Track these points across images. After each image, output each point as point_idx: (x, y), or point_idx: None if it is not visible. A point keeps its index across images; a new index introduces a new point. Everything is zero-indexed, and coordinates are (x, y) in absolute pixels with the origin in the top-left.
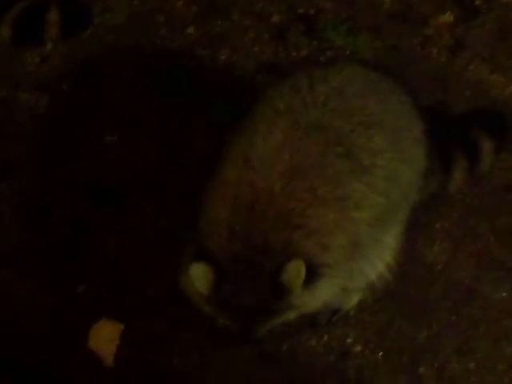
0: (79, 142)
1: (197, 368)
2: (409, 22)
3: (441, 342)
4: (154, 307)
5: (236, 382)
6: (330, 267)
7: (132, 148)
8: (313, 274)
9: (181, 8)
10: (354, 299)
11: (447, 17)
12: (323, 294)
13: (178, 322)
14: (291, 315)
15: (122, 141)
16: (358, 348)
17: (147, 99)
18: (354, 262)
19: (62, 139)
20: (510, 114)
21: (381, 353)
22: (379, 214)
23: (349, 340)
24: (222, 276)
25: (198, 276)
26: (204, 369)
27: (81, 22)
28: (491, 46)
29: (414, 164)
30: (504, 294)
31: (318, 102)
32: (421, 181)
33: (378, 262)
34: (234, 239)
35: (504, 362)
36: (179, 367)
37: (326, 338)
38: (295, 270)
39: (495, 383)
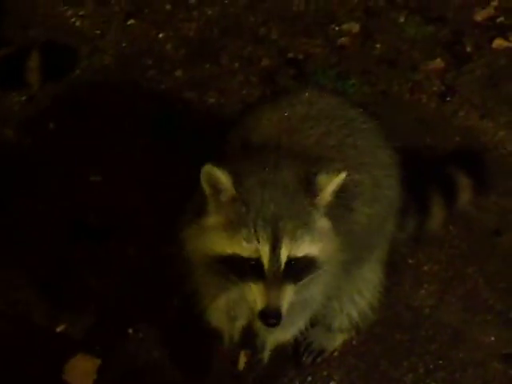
0: (64, 181)
1: None
2: (398, 67)
3: None
4: (132, 343)
5: None
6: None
7: (117, 188)
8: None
9: (169, 51)
10: (339, 339)
11: (437, 63)
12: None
13: (155, 361)
14: (315, 248)
15: (106, 181)
16: None
17: (133, 140)
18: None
19: (46, 177)
20: (491, 156)
21: None
22: (359, 239)
23: (333, 383)
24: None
25: (214, 176)
26: None
27: (65, 66)
28: (481, 92)
29: (388, 192)
30: (492, 338)
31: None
32: (396, 216)
33: (359, 298)
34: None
35: None
36: None
37: (309, 379)
38: (331, 176)
39: None
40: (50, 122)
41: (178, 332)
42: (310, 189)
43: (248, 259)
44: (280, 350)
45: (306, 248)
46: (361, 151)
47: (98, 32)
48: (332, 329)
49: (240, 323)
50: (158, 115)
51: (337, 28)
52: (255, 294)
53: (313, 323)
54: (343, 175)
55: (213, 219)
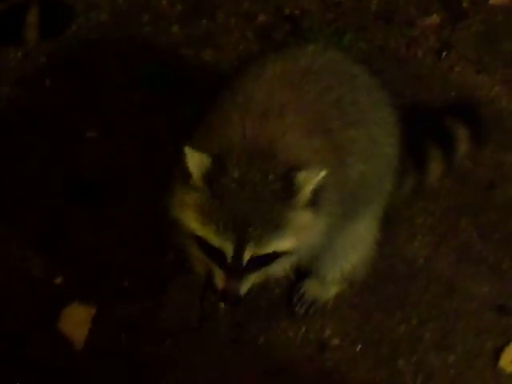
0: (60, 137)
1: (169, 355)
2: (395, 23)
3: (420, 335)
4: (127, 294)
5: (210, 370)
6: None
7: (113, 144)
8: (316, 198)
9: (165, 7)
10: (332, 291)
11: (433, 19)
12: (320, 224)
13: (151, 309)
14: (287, 244)
15: (103, 137)
16: (336, 341)
17: (129, 96)
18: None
19: (42, 133)
20: (487, 111)
21: (359, 346)
22: (352, 195)
23: (327, 332)
24: (221, 168)
25: (195, 161)
26: (176, 356)
27: (61, 23)
28: (477, 47)
29: (386, 150)
30: (485, 289)
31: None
32: (394, 174)
33: (353, 252)
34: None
35: (484, 356)
36: (151, 353)
37: (303, 329)
38: (310, 176)
39: (475, 377)
40: (46, 79)
41: (171, 284)
42: (287, 189)
43: (216, 249)
44: (272, 301)
45: (273, 247)
46: (360, 108)
47: None
48: (325, 280)
49: None
50: (153, 70)
51: None
52: (217, 276)
53: (305, 274)
54: (322, 174)
55: (191, 196)
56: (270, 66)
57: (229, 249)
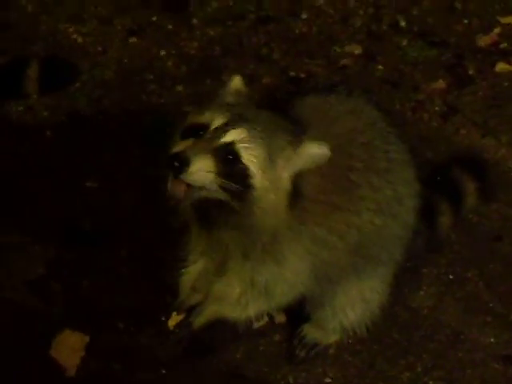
0: (59, 186)
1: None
2: (401, 88)
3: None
4: (121, 327)
5: None
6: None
7: (112, 194)
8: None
9: (170, 68)
10: (332, 338)
11: (440, 84)
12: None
13: (145, 338)
14: (254, 160)
15: (102, 187)
16: None
17: (130, 150)
18: None
19: (42, 182)
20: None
21: None
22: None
23: (327, 380)
24: None
25: None
26: None
27: (63, 80)
28: (483, 112)
29: (406, 216)
30: (491, 340)
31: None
32: (405, 244)
33: (353, 310)
34: None
35: None
36: (145, 381)
37: (304, 375)
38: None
39: None
40: (47, 130)
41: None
42: (293, 136)
43: (200, 125)
44: (272, 347)
45: (249, 158)
46: (389, 158)
47: (100, 49)
48: (326, 328)
49: (196, 297)
50: (155, 125)
51: (339, 50)
52: (179, 145)
53: (306, 318)
54: (326, 151)
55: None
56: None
57: (218, 120)
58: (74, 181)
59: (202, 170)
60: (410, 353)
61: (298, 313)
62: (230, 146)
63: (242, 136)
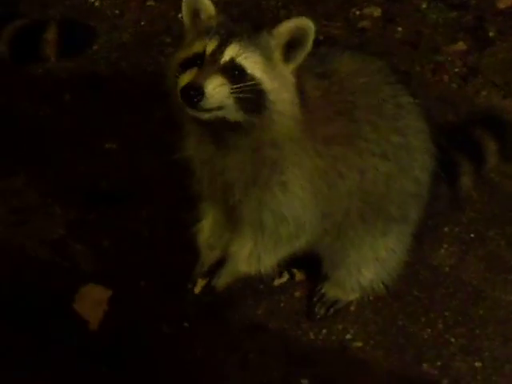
0: (78, 148)
1: (185, 338)
2: (420, 49)
3: (446, 340)
4: (144, 279)
5: (225, 355)
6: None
7: (131, 156)
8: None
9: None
10: (352, 295)
11: (460, 46)
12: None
13: (168, 291)
14: (264, 75)
15: (121, 149)
16: (359, 344)
17: (149, 113)
18: None
19: (61, 145)
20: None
21: (382, 350)
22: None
23: (348, 336)
24: None
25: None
26: (192, 339)
27: (80, 43)
28: (504, 73)
29: (417, 173)
30: None
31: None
32: (421, 204)
33: (369, 268)
34: None
35: None
36: (167, 335)
37: (324, 331)
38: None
39: (502, 383)
40: (66, 93)
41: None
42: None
43: (196, 55)
44: (293, 303)
45: (254, 67)
46: (403, 112)
47: (117, 12)
48: (344, 287)
49: (214, 254)
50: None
51: (358, 12)
52: (185, 77)
53: (326, 276)
54: (308, 23)
55: (185, 44)
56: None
57: (211, 45)
58: (94, 142)
59: (216, 88)
60: (431, 310)
61: (318, 271)
62: (232, 63)
63: (238, 49)
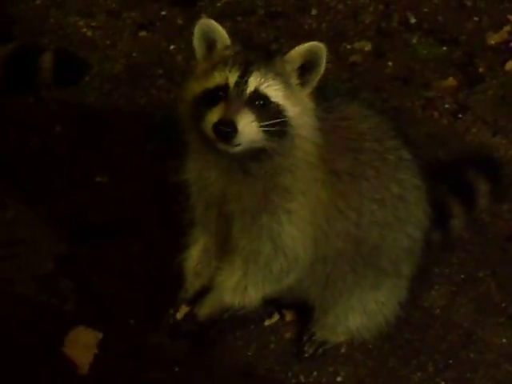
0: (68, 180)
1: (175, 382)
2: (411, 85)
3: None
4: (133, 317)
5: None
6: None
7: (122, 189)
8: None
9: (180, 62)
10: (342, 337)
11: (450, 81)
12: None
13: (159, 336)
14: (288, 102)
15: (112, 182)
16: None
17: (140, 145)
18: None
19: (51, 177)
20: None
21: None
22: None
23: (339, 378)
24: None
25: (212, 26)
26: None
27: (74, 74)
28: (494, 110)
29: (410, 229)
30: (504, 340)
31: None
32: (415, 261)
33: (358, 318)
34: None
35: None
36: (158, 380)
37: (315, 374)
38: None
39: None
40: (57, 125)
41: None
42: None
43: (217, 88)
44: (283, 345)
45: (276, 94)
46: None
47: (109, 42)
48: (334, 330)
49: (199, 281)
50: (167, 121)
51: (348, 46)
52: (214, 114)
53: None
54: (319, 46)
55: (197, 71)
56: None
57: (234, 75)
58: (84, 175)
59: (248, 125)
60: (421, 353)
61: (308, 312)
62: (256, 93)
63: (260, 79)
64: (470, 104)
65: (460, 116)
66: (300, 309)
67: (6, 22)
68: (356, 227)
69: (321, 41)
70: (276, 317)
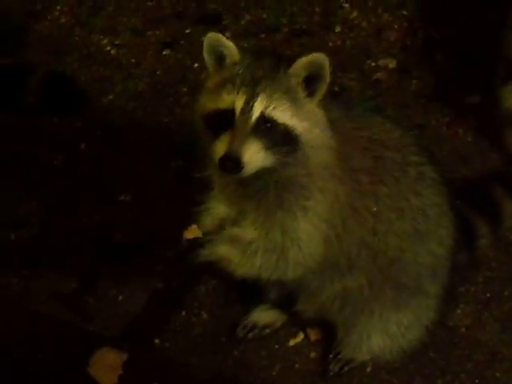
0: (92, 199)
1: None
2: (435, 102)
3: None
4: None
5: None
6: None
7: (146, 207)
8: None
9: (204, 80)
10: (367, 356)
11: (474, 98)
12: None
13: (181, 353)
14: (296, 121)
15: (136, 200)
16: None
17: (165, 163)
18: None
19: (75, 194)
20: None
21: None
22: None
23: None
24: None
25: (221, 41)
26: None
27: (68, 103)
28: None
29: (434, 246)
30: None
31: None
32: (442, 279)
33: (381, 339)
34: None
35: None
36: None
37: None
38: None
39: None
40: (82, 143)
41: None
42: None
43: (225, 111)
44: (308, 365)
45: (283, 115)
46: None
47: (134, 61)
48: (359, 349)
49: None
50: (189, 139)
51: (373, 64)
52: (221, 144)
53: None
54: (321, 56)
55: (208, 82)
56: None
57: (240, 99)
58: (108, 194)
59: (254, 155)
60: (447, 372)
61: (333, 331)
62: (263, 117)
63: (265, 102)
64: (495, 121)
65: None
66: (325, 328)
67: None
68: (372, 234)
69: (345, 58)
70: (301, 336)
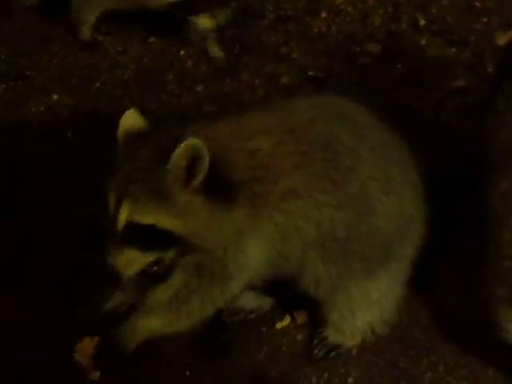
0: (80, 188)
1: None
2: (420, 86)
3: (447, 383)
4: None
5: None
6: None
7: None
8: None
9: (190, 67)
10: (353, 340)
11: (459, 82)
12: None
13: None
14: (168, 220)
15: None
16: None
17: None
18: None
19: (61, 183)
20: None
21: None
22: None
23: (350, 379)
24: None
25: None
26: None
27: None
28: None
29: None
30: None
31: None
32: (418, 236)
33: (363, 312)
34: None
35: None
36: (167, 378)
37: (326, 375)
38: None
39: None
40: (68, 131)
41: None
42: (167, 157)
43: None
44: (294, 347)
45: (149, 218)
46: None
47: (120, 49)
48: (344, 331)
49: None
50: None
51: (358, 49)
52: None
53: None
54: (197, 145)
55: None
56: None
57: (112, 201)
58: (96, 182)
59: (129, 263)
60: (432, 353)
61: (320, 313)
62: (130, 223)
63: (130, 207)
64: (479, 105)
65: (469, 117)
66: (312, 310)
67: None
68: (316, 237)
69: (331, 44)
70: (287, 319)
